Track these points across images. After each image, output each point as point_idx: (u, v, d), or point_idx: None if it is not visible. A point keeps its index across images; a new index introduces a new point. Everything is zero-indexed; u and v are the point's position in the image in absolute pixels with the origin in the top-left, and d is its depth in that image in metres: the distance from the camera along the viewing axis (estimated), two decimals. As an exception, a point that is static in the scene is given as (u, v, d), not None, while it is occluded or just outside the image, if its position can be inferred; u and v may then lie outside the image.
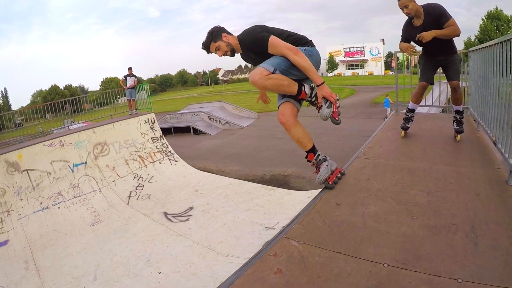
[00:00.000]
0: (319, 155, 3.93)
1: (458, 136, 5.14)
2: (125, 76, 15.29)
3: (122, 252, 8.50)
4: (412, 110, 5.50)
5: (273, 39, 3.39)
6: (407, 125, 5.51)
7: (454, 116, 5.27)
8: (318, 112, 3.68)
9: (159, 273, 7.41)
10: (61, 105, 16.83)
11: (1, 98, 73.67)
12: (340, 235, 2.96)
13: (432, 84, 5.21)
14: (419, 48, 5.12)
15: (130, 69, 15.32)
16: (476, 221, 2.91)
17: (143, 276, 7.41)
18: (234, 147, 16.93)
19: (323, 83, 3.52)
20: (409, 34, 4.91)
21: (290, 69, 3.45)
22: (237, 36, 3.65)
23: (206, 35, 3.65)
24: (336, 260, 2.67)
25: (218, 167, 13.93)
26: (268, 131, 18.73)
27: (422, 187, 3.63)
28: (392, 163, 4.48)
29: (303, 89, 3.63)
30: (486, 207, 3.12)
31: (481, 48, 5.16)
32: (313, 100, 3.74)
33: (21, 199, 10.62)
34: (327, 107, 3.61)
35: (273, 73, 3.37)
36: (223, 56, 3.66)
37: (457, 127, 5.21)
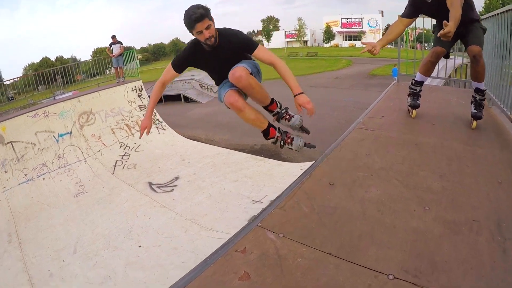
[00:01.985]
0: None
1: (474, 122, 3.74)
2: (111, 44, 14.07)
3: (104, 224, 7.74)
4: (420, 83, 4.14)
5: (262, 45, 3.19)
6: (417, 101, 4.14)
7: (472, 96, 3.79)
8: (288, 122, 3.34)
9: (139, 246, 6.68)
10: (52, 76, 15.51)
11: None
12: (332, 228, 2.17)
13: (448, 57, 3.83)
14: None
15: (114, 37, 14.07)
16: (503, 218, 2.11)
17: (123, 249, 6.69)
18: (225, 116, 15.81)
19: (302, 92, 3.01)
20: (418, 7, 3.69)
21: (257, 76, 3.21)
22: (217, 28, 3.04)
23: (197, 7, 2.86)
24: (325, 265, 1.87)
25: (207, 136, 13.01)
26: None
27: (434, 167, 2.77)
28: (396, 136, 3.59)
29: (275, 100, 3.36)
30: (512, 199, 2.27)
31: (500, 13, 4.05)
32: (282, 111, 3.35)
33: (6, 172, 9.73)
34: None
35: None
36: (204, 40, 2.93)
37: (475, 111, 3.74)
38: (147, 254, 6.37)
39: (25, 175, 9.80)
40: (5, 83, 17.29)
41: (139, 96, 12.55)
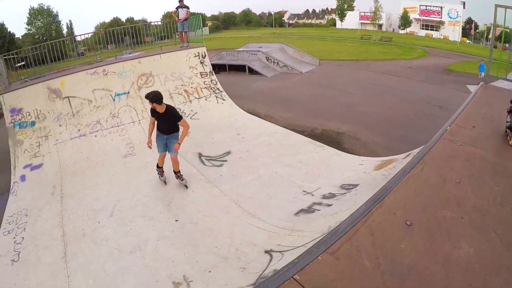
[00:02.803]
0: None
1: None
2: (177, 8, 13.79)
3: (145, 190, 7.54)
4: None
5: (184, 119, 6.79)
6: None
7: None
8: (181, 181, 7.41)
9: (176, 221, 6.36)
10: (122, 36, 15.93)
11: (67, 29, 74.52)
12: None
13: None
14: None
15: (181, 1, 13.73)
16: None
17: (159, 221, 6.43)
18: (288, 92, 15.09)
19: (179, 143, 6.81)
20: None
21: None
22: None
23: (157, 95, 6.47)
24: None
25: (267, 112, 12.35)
26: (328, 80, 16.65)
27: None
28: (493, 160, 2.72)
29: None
30: None
31: None
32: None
33: (60, 125, 10.03)
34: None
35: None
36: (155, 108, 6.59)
37: None
38: (182, 231, 6.04)
39: (78, 130, 10.01)
40: (76, 39, 17.77)
41: (201, 62, 12.20)
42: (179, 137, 6.84)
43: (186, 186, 7.08)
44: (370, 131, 9.78)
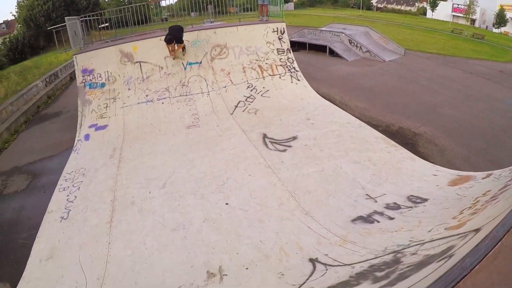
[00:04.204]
0: None
1: None
2: None
3: (201, 166, 7.40)
4: None
5: None
6: None
7: None
8: None
9: (226, 204, 6.10)
10: (205, 4, 16.09)
11: None
12: None
13: None
14: None
15: None
16: None
17: (209, 201, 6.23)
18: (368, 81, 14.10)
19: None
20: None
21: None
22: None
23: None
24: None
25: (342, 99, 11.56)
26: (411, 73, 15.34)
27: None
28: None
29: None
30: None
31: None
32: None
33: (129, 89, 10.32)
34: None
35: None
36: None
37: None
38: (229, 216, 5.77)
39: (146, 95, 10.20)
40: (161, 4, 18.40)
41: (279, 39, 11.72)
42: None
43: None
44: (450, 138, 8.72)
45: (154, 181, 7.08)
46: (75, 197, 7.03)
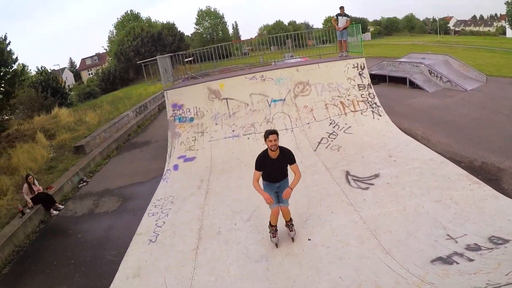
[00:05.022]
0: None
1: None
2: (337, 15, 13.76)
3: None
4: None
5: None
6: None
7: None
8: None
9: (309, 240, 6.36)
10: (283, 39, 17.06)
11: (232, 30, 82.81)
12: None
13: None
14: None
15: (342, 8, 13.67)
16: None
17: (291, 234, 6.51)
18: (450, 113, 13.53)
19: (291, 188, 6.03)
20: None
21: None
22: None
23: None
24: None
25: (424, 134, 11.29)
26: (495, 102, 14.46)
27: None
28: None
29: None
30: None
31: None
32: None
33: (216, 124, 11.17)
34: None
35: None
36: (271, 146, 5.70)
37: None
38: (311, 251, 6.03)
39: (233, 131, 10.96)
40: (241, 38, 19.64)
41: (359, 74, 11.99)
42: (289, 182, 6.12)
43: (293, 239, 6.39)
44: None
45: (240, 213, 7.57)
46: (164, 222, 7.74)
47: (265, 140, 5.72)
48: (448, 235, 5.90)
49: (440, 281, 4.81)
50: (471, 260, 5.14)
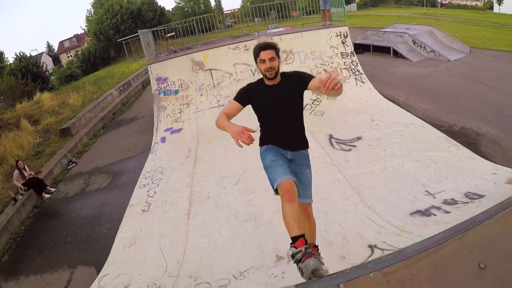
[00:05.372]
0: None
1: None
2: None
3: (271, 163, 7.94)
4: None
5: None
6: None
7: None
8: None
9: (294, 198, 6.57)
10: (267, 10, 16.97)
11: (215, 2, 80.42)
12: None
13: None
14: None
15: None
16: None
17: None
18: (432, 82, 13.89)
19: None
20: None
21: None
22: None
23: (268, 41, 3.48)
24: None
25: (406, 100, 11.65)
26: (477, 73, 14.85)
27: None
28: None
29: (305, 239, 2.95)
30: None
31: None
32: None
33: (201, 95, 11.32)
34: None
35: None
36: (266, 69, 3.38)
37: None
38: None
39: (218, 100, 11.11)
40: (224, 12, 19.50)
41: (342, 42, 12.15)
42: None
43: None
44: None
45: (228, 178, 7.84)
46: (155, 192, 8.00)
47: (256, 62, 3.47)
48: (426, 191, 6.29)
49: (418, 230, 5.16)
50: (447, 212, 5.52)
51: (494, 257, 1.77)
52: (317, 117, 10.23)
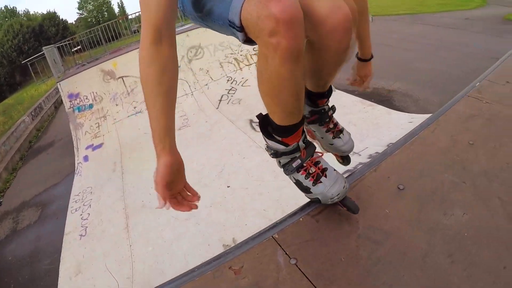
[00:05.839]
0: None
1: None
2: None
3: (199, 160, 8.09)
4: None
5: None
6: None
7: None
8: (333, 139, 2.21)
9: (228, 187, 6.87)
10: None
11: (118, 9, 77.94)
12: (366, 271, 1.56)
13: None
14: None
15: None
16: None
17: (212, 187, 6.97)
18: None
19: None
20: None
21: None
22: None
23: None
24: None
25: (314, 74, 12.26)
26: (380, 37, 15.78)
27: None
28: None
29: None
30: None
31: None
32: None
33: (117, 105, 11.01)
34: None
35: None
36: None
37: None
38: (232, 196, 6.52)
39: (134, 107, 10.89)
40: (129, 18, 18.96)
41: (249, 29, 12.32)
42: None
43: None
44: (423, 88, 9.43)
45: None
46: (89, 214, 7.74)
47: None
48: (353, 151, 6.74)
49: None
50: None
51: (410, 178, 1.99)
52: (235, 105, 10.43)
